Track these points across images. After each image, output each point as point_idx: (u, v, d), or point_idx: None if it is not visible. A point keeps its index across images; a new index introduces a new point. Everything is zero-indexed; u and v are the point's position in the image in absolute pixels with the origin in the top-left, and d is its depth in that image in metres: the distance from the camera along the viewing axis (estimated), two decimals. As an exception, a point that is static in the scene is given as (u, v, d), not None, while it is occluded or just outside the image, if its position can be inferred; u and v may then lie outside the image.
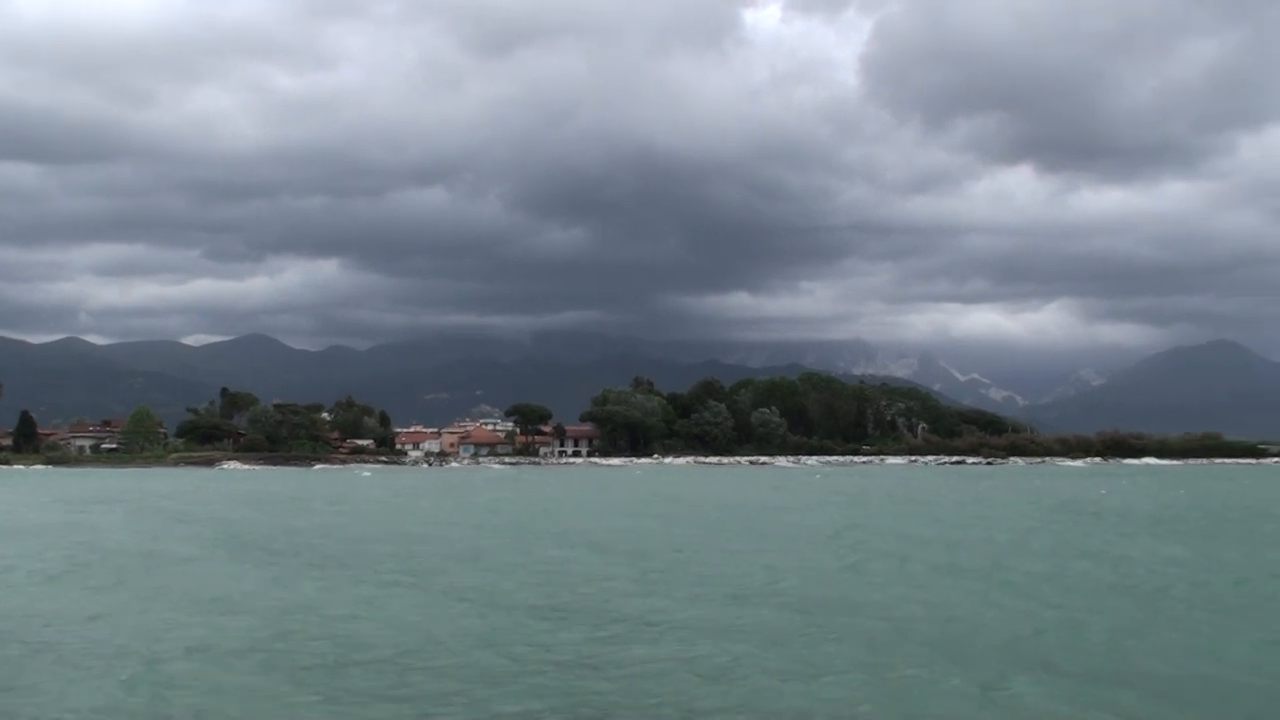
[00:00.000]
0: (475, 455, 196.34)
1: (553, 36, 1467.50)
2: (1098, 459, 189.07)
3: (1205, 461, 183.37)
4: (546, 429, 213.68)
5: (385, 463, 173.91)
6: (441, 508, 64.95)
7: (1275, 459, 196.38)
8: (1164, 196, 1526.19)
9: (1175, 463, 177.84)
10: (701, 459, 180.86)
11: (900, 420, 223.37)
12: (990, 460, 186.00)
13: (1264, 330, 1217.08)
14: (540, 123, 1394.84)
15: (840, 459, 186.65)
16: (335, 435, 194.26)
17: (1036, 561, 32.92)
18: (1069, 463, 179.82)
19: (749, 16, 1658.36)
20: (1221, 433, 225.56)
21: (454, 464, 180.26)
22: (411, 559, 34.53)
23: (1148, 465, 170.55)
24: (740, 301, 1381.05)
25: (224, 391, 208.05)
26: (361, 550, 37.37)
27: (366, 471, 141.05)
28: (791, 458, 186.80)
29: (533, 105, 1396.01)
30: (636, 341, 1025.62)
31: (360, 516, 56.67)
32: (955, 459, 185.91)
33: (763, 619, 22.74)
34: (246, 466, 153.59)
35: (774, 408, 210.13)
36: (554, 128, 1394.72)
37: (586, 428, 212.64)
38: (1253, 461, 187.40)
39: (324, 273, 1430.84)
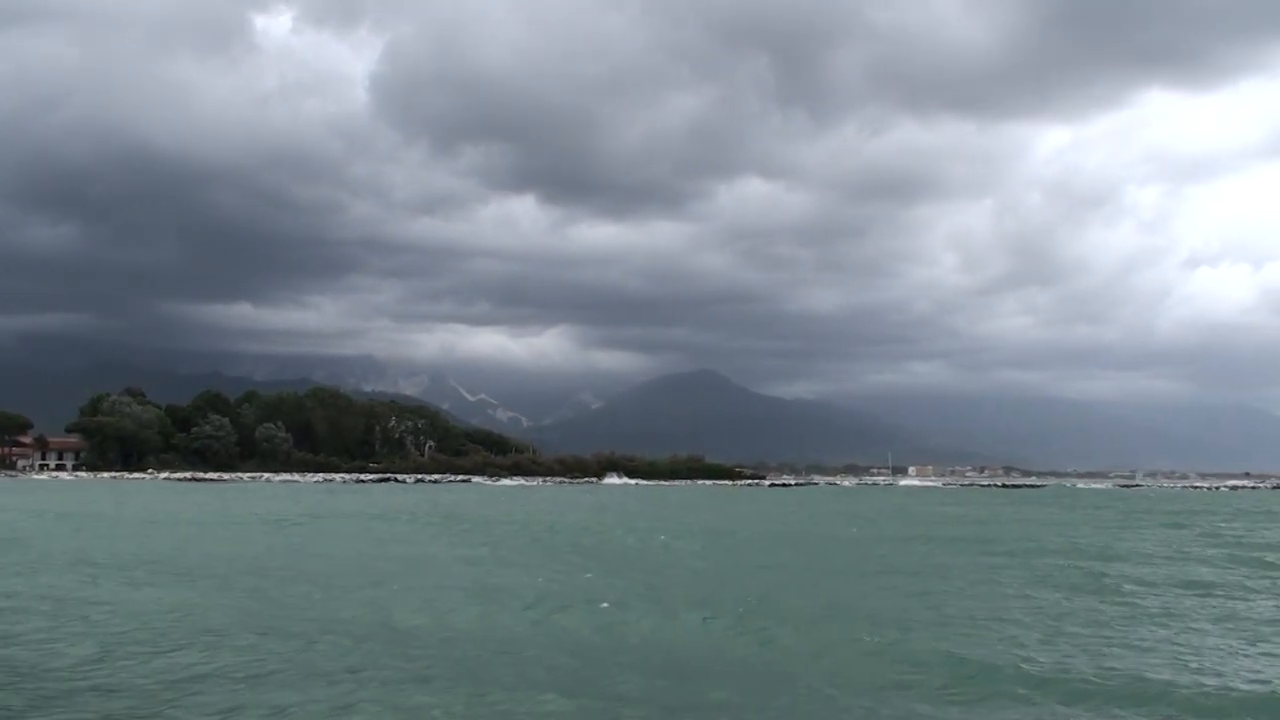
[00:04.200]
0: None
1: (44, 20, 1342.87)
2: (593, 479, 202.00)
3: (686, 482, 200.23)
4: (26, 440, 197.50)
5: None
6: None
7: (747, 481, 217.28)
8: (652, 234, 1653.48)
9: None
10: (201, 475, 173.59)
11: (409, 438, 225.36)
12: (495, 478, 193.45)
13: (739, 361, 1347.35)
14: (25, 109, 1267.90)
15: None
16: None
17: None
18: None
19: (259, 22, 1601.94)
20: (704, 455, 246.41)
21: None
22: None
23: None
24: (243, 312, 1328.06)
25: None
26: None
27: None
28: (297, 474, 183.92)
29: (17, 89, 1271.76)
30: (132, 349, 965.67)
31: None
32: (461, 477, 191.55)
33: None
34: None
35: (280, 423, 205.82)
36: (41, 116, 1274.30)
37: (73, 439, 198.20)
38: (728, 483, 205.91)
39: None
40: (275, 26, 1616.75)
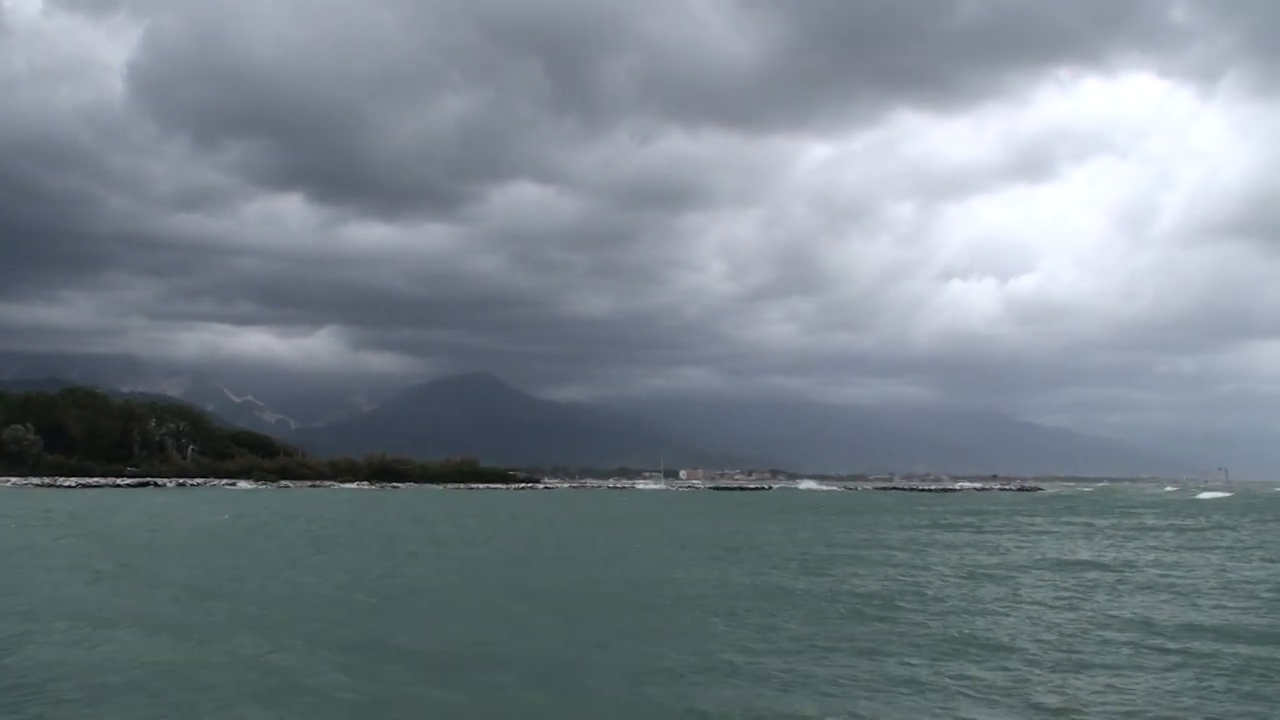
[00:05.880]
0: None
1: None
2: (365, 483, 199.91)
3: (463, 486, 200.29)
4: None
5: None
6: None
7: (521, 485, 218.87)
8: (423, 235, 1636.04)
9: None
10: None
11: (170, 441, 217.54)
12: (262, 482, 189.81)
13: (513, 364, 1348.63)
14: None
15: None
16: None
17: None
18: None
19: (7, 2, 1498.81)
20: (478, 458, 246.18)
21: None
22: None
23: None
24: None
25: None
26: None
27: None
28: (48, 478, 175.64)
29: None
30: None
31: None
32: (227, 481, 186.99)
33: None
34: None
35: (29, 424, 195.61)
36: None
37: None
38: (502, 486, 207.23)
39: None
40: (25, 7, 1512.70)
